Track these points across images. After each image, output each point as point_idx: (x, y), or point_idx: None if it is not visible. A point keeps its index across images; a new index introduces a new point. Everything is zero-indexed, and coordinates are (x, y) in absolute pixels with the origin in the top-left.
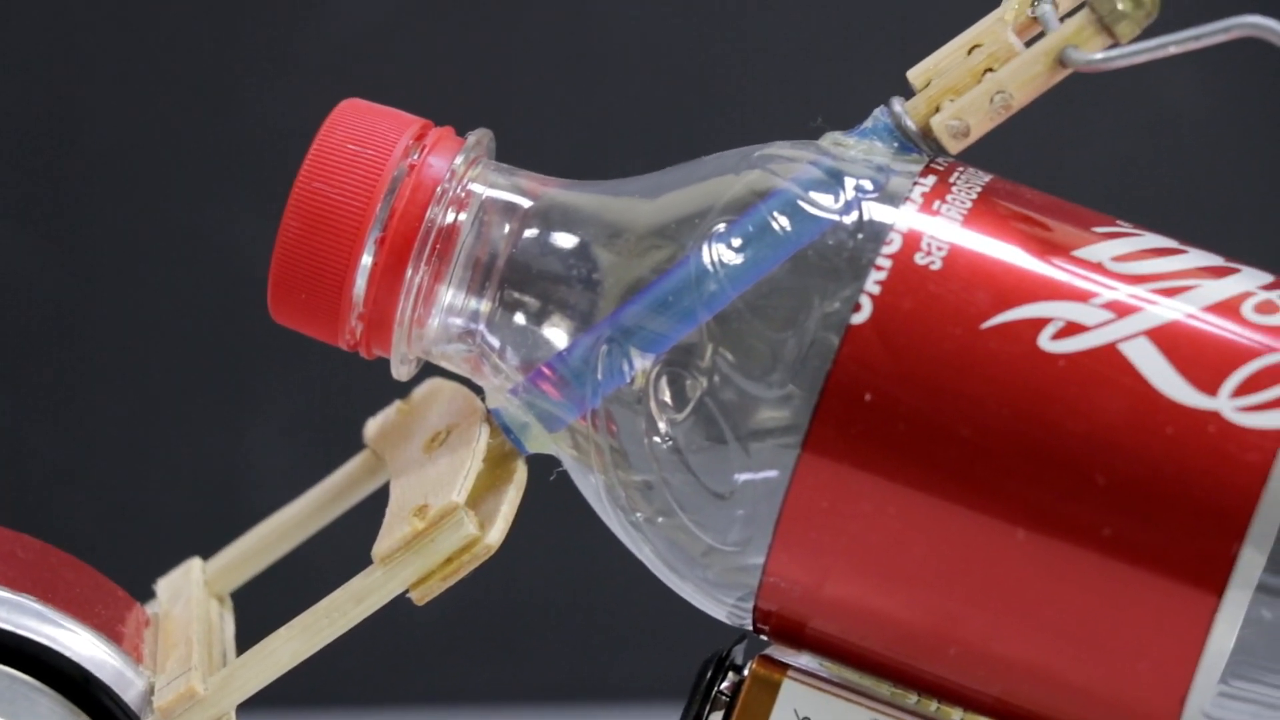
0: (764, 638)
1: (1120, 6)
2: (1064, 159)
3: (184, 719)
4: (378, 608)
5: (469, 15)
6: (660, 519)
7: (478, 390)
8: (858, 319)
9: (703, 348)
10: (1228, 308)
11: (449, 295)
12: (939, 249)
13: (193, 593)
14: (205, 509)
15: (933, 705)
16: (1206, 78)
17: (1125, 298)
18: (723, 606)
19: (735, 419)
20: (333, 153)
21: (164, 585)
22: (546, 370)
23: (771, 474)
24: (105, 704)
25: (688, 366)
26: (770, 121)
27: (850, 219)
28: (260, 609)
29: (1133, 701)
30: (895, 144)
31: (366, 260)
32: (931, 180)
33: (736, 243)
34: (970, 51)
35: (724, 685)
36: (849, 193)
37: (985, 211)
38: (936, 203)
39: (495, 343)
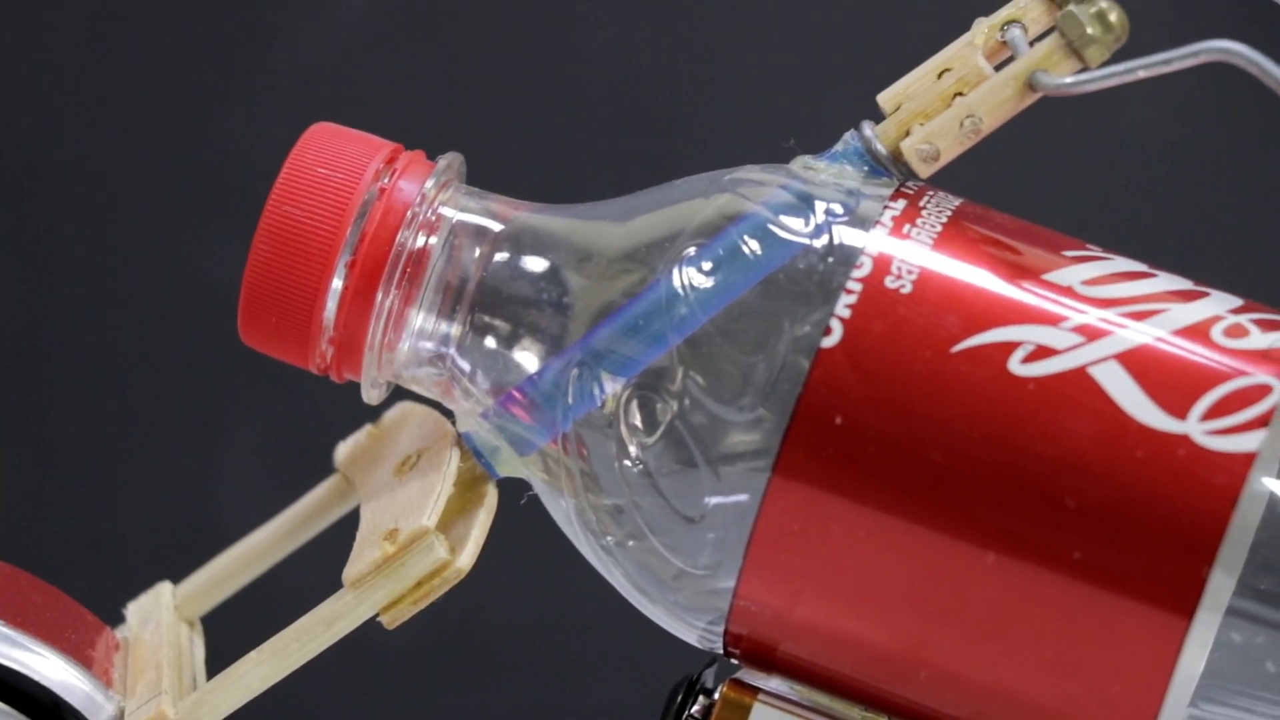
0: (735, 661)
1: (1090, 31)
2: (1034, 183)
3: None
4: (348, 631)
5: (440, 39)
6: (631, 542)
7: (448, 414)
8: (828, 342)
9: (673, 371)
10: (1197, 331)
11: (419, 319)
12: (909, 273)
13: (163, 617)
14: (175, 533)
15: None
16: (1176, 102)
17: (1095, 321)
18: (693, 630)
19: (706, 443)
20: (303, 176)
21: (134, 609)
22: (517, 394)
23: (742, 497)
24: None
25: (658, 390)
26: (740, 145)
27: (820, 243)
28: (230, 633)
29: None
30: (865, 168)
31: (337, 284)
32: (902, 204)
33: (707, 266)
34: (940, 75)
35: (695, 709)
36: (819, 216)
37: (955, 235)
38: (907, 226)
39: (466, 366)
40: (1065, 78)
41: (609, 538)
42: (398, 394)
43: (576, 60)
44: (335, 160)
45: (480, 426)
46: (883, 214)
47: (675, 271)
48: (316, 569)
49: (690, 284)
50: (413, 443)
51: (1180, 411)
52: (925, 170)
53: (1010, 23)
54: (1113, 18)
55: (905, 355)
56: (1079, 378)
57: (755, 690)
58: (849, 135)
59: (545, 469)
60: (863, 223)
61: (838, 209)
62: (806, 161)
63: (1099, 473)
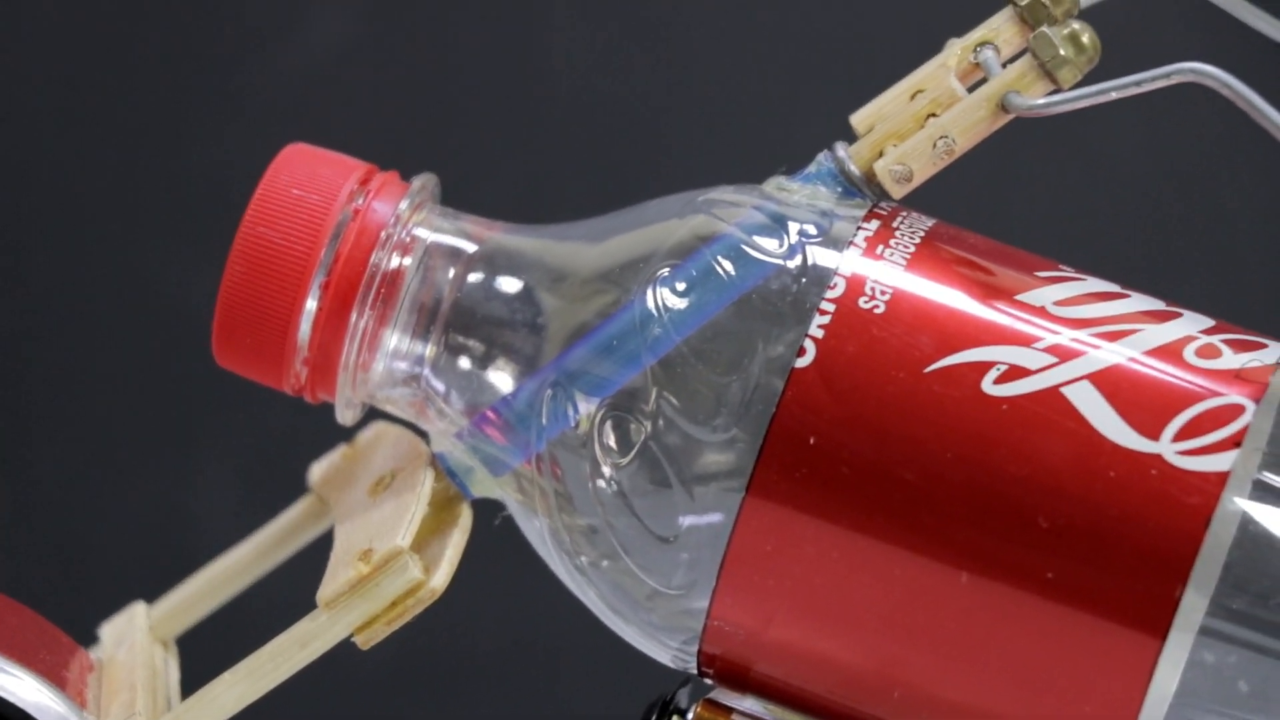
0: (708, 681)
1: (1062, 52)
2: (1007, 204)
3: None
4: (323, 652)
5: (414, 61)
6: (605, 563)
7: (423, 434)
8: (801, 363)
9: (647, 392)
10: (1170, 352)
11: (394, 340)
12: (882, 293)
13: (137, 637)
14: (149, 553)
15: None
16: (1148, 123)
17: (1068, 342)
18: (667, 650)
19: (680, 463)
20: (277, 198)
21: (108, 630)
22: (491, 414)
23: (716, 518)
24: None
25: (632, 411)
26: (714, 166)
27: (794, 263)
28: (205, 654)
29: None
30: (839, 189)
31: (311, 305)
32: (875, 225)
33: (681, 287)
34: (913, 97)
35: None
36: (793, 237)
37: (928, 256)
38: (880, 247)
39: (440, 387)
40: (1038, 99)
41: (583, 558)
42: (372, 414)
43: (551, 81)
44: (309, 181)
45: (454, 447)
46: (856, 235)
47: (649, 292)
48: (291, 589)
49: (664, 304)
50: (387, 463)
51: (1153, 432)
52: (898, 191)
53: (983, 44)
54: (1085, 39)
55: (879, 375)
56: (1052, 398)
57: (729, 710)
58: (822, 156)
59: (519, 489)
60: (836, 243)
61: (811, 230)
62: (780, 182)
63: (1072, 493)
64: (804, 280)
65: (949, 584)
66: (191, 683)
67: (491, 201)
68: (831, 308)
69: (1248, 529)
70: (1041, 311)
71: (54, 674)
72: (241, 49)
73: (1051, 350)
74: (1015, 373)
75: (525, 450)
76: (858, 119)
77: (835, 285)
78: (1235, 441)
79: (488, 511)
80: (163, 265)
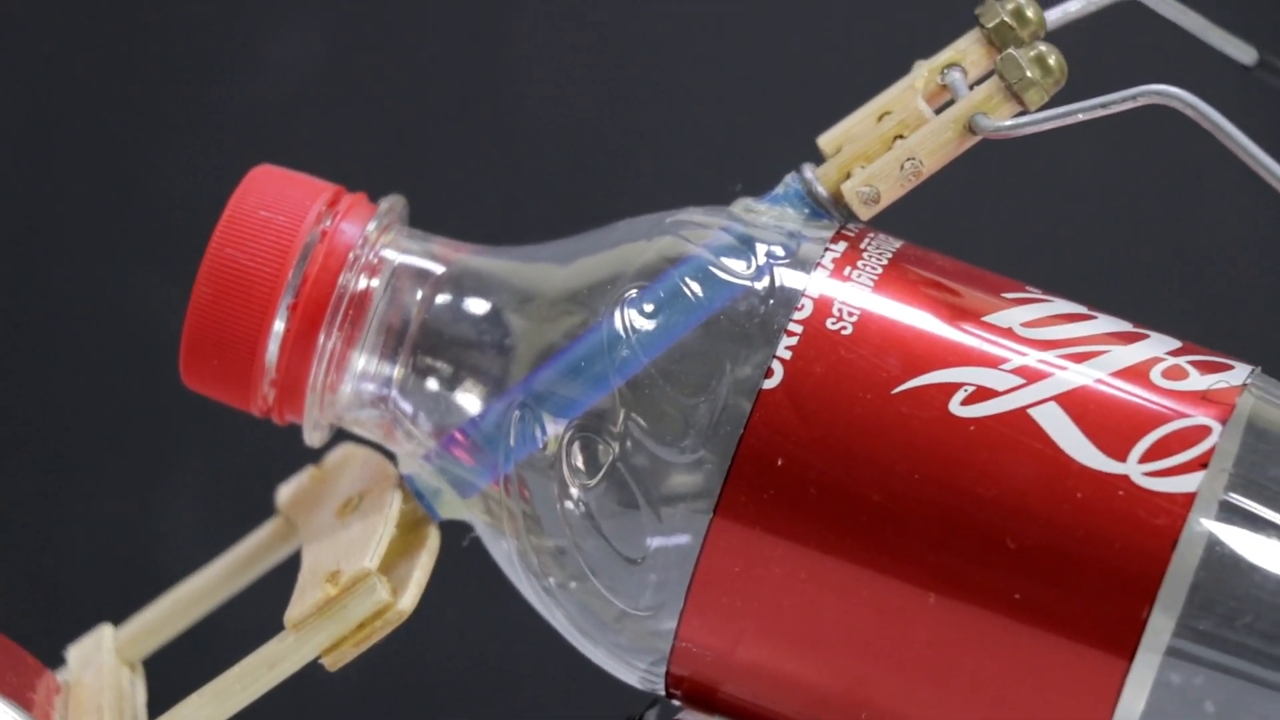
0: (677, 702)
1: (1029, 74)
2: (974, 225)
3: None
4: (290, 674)
5: (382, 83)
6: (573, 584)
7: (390, 456)
8: (769, 384)
9: (615, 413)
10: (1136, 373)
11: (361, 361)
12: (850, 314)
13: (104, 660)
14: (116, 575)
15: None
16: (1115, 145)
17: (1035, 363)
18: (635, 671)
19: (647, 484)
20: (245, 219)
21: (75, 652)
22: (459, 436)
23: (684, 539)
24: None
25: (600, 432)
26: (682, 187)
27: (762, 285)
28: (172, 676)
29: None
30: (806, 210)
31: (279, 326)
32: (842, 246)
33: (649, 308)
34: (880, 118)
35: None
36: (760, 259)
37: (896, 277)
38: (847, 269)
39: (408, 408)
40: (1005, 120)
41: (551, 579)
42: (340, 436)
43: (518, 103)
44: (277, 203)
45: (422, 468)
46: (824, 256)
47: (617, 313)
48: (258, 611)
49: (632, 326)
50: (354, 485)
51: (1120, 453)
52: (866, 212)
53: (950, 66)
54: (1051, 61)
55: (846, 397)
56: (1019, 419)
57: None
58: (790, 178)
59: (487, 511)
60: (804, 265)
61: (779, 251)
62: (747, 204)
63: (1039, 514)
64: (771, 302)
65: (916, 605)
66: (158, 705)
67: (459, 223)
68: (799, 329)
69: (1214, 550)
70: (1009, 333)
71: (20, 696)
72: (209, 70)
73: (1019, 371)
74: (982, 394)
75: (493, 472)
76: (825, 141)
77: (803, 307)
78: (1202, 463)
79: (455, 533)
80: (130, 286)
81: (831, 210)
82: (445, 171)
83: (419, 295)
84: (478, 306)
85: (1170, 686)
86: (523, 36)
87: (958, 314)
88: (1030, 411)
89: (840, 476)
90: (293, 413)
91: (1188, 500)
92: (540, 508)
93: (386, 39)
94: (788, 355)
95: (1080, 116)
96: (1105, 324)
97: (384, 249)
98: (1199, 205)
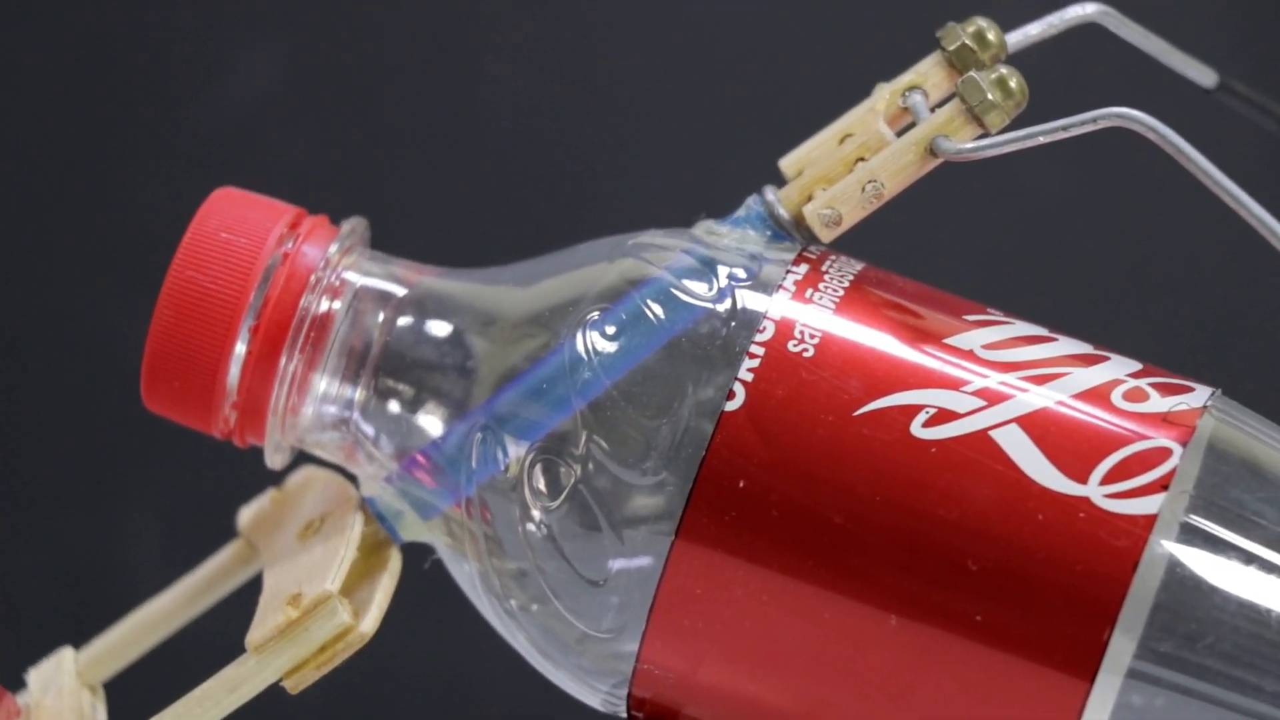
0: None
1: (990, 96)
2: (936, 247)
3: None
4: (251, 696)
5: (343, 105)
6: (535, 606)
7: (352, 478)
8: (731, 406)
9: (577, 435)
10: (1097, 395)
11: (323, 383)
12: (812, 337)
13: (64, 683)
14: (77, 598)
15: None
16: (1076, 167)
17: (996, 385)
18: (597, 693)
19: (609, 506)
20: (206, 241)
21: (35, 675)
22: (421, 458)
23: (645, 561)
24: None
25: (562, 454)
26: (644, 209)
27: (723, 307)
28: (133, 699)
29: None
30: (768, 232)
31: (240, 348)
32: (804, 268)
33: (610, 330)
34: (842, 141)
35: None
36: (722, 281)
37: (857, 299)
38: (809, 291)
39: (369, 431)
40: (966, 143)
41: (512, 601)
42: (301, 458)
43: (480, 124)
44: (238, 225)
45: (384, 491)
46: (785, 278)
47: (579, 335)
48: (219, 634)
49: (593, 348)
50: (316, 507)
51: (1081, 475)
52: (827, 235)
53: (911, 88)
54: (1013, 84)
55: (808, 419)
56: (980, 441)
57: None
58: (751, 200)
59: (449, 533)
60: (765, 287)
61: (740, 273)
62: (709, 226)
63: (1000, 536)
64: (733, 324)
65: (878, 627)
66: None
67: (421, 245)
68: (761, 351)
69: (1175, 572)
70: (970, 355)
71: None
72: (171, 92)
73: (980, 394)
74: (944, 416)
75: (455, 494)
76: (787, 163)
77: (764, 329)
78: (1163, 484)
79: (417, 555)
80: (91, 307)
81: (793, 232)
82: (407, 194)
83: (381, 317)
84: (440, 329)
85: (1131, 708)
86: (485, 60)
87: (919, 336)
88: (991, 433)
89: (802, 498)
90: (254, 435)
91: (1149, 522)
92: (502, 530)
93: (349, 62)
94: (749, 377)
95: (1041, 139)
96: (1066, 346)
97: (346, 271)
98: (1159, 228)
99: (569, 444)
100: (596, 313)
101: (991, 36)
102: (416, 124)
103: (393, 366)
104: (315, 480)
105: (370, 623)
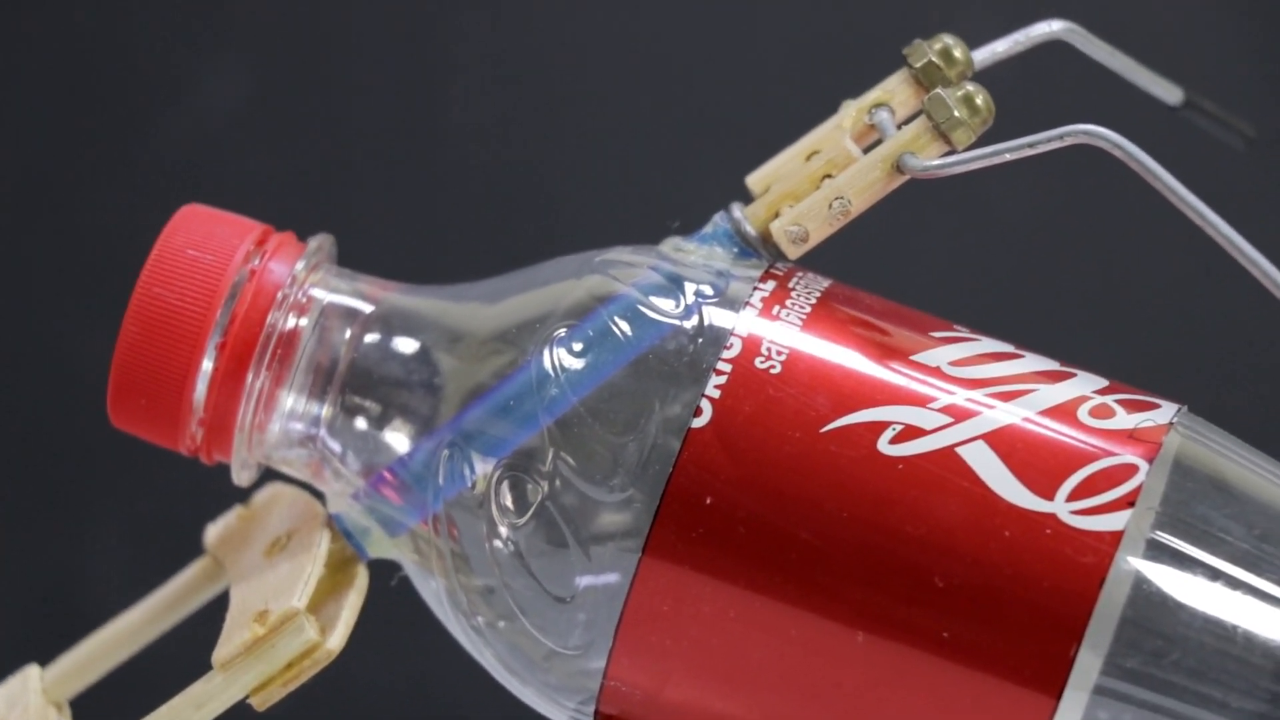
0: None
1: (957, 114)
2: (903, 264)
3: None
4: (218, 713)
5: (310, 122)
6: (501, 623)
7: (319, 495)
8: (698, 423)
9: (544, 452)
10: (1064, 412)
11: (290, 400)
12: (779, 353)
13: (30, 700)
14: (43, 615)
15: None
16: (1043, 184)
17: (963, 402)
18: (564, 710)
19: (576, 523)
20: (173, 258)
21: (1, 693)
22: (388, 475)
23: (613, 578)
24: None
25: (529, 471)
26: (611, 226)
27: (690, 324)
28: (99, 716)
29: None
30: (735, 249)
31: (207, 365)
32: (771, 285)
33: (577, 347)
34: (809, 158)
35: None
36: (689, 298)
37: (824, 316)
38: (776, 308)
39: (336, 448)
40: (933, 160)
41: (480, 618)
42: (268, 475)
43: (446, 141)
44: (205, 242)
45: (351, 508)
46: (752, 295)
47: (546, 352)
48: (186, 651)
49: (561, 365)
50: (283, 524)
51: (1047, 491)
52: (794, 252)
53: (878, 105)
54: (979, 101)
55: (775, 436)
56: (947, 458)
57: None
58: (718, 217)
59: (416, 550)
60: (732, 304)
61: (707, 290)
62: (676, 243)
63: (967, 552)
64: (700, 341)
65: (845, 644)
66: None
67: (388, 262)
68: (728, 368)
69: (1141, 588)
70: (937, 372)
71: None
72: (137, 109)
73: (947, 410)
74: (911, 433)
75: (422, 511)
76: (753, 180)
77: (731, 346)
78: (1129, 501)
79: (384, 572)
80: (58, 325)
81: (760, 249)
82: (374, 210)
83: (348, 334)
84: (406, 345)
85: None
86: (451, 76)
87: (886, 353)
88: (958, 450)
89: (769, 515)
90: (221, 452)
91: (1115, 539)
92: (469, 547)
93: (315, 79)
94: (716, 394)
95: (1008, 156)
96: (1032, 363)
97: (312, 288)
98: (1126, 244)
99: (536, 461)
100: (564, 329)
101: (958, 54)
102: (383, 141)
103: (359, 383)
104: (282, 497)
105: (337, 639)
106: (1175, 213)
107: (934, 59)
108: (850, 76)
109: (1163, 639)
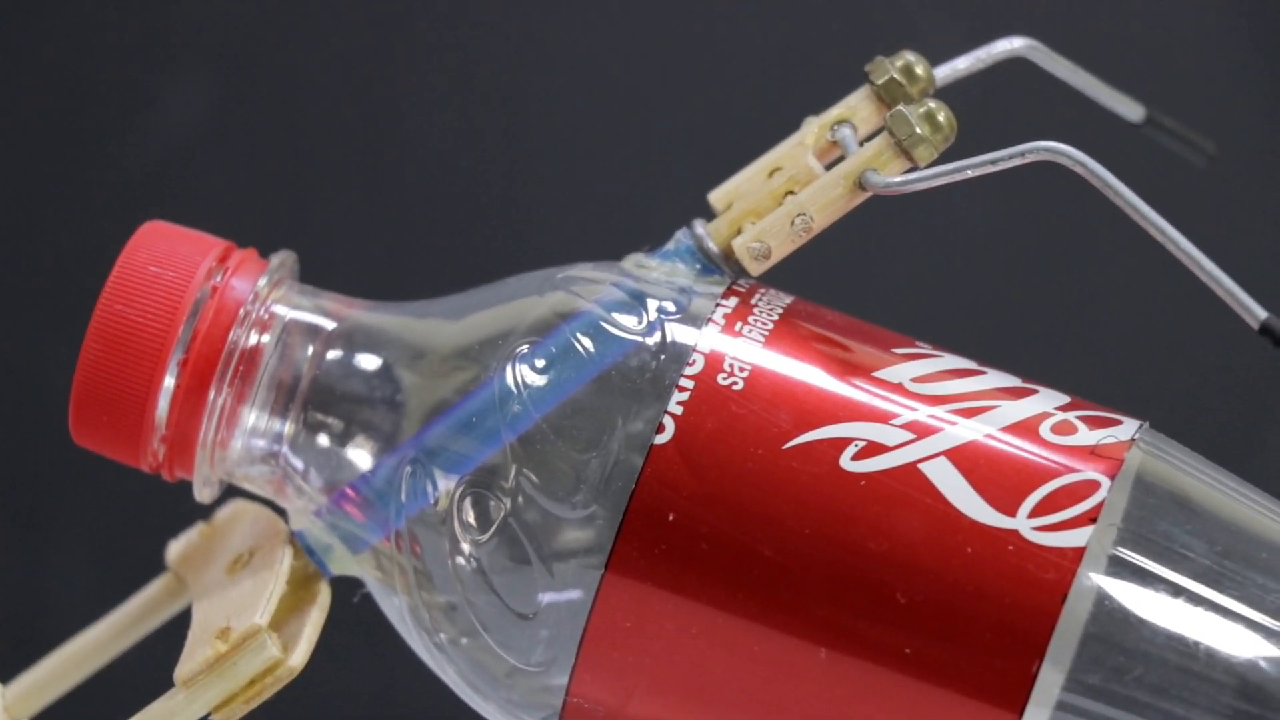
0: None
1: (918, 130)
2: (865, 280)
3: None
4: None
5: (272, 139)
6: (464, 640)
7: (281, 512)
8: (660, 439)
9: (506, 469)
10: (1026, 428)
11: (252, 417)
12: (741, 370)
13: None
14: (4, 632)
15: None
16: (1005, 200)
17: (925, 418)
18: None
19: (539, 540)
20: (135, 275)
21: None
22: (350, 492)
23: (575, 594)
24: None
25: (491, 487)
26: (573, 243)
27: (653, 340)
28: None
29: None
30: (697, 265)
31: (169, 382)
32: (733, 302)
33: (540, 364)
34: (771, 174)
35: None
36: (651, 314)
37: (787, 333)
38: (738, 324)
39: (298, 464)
40: (895, 177)
41: (442, 635)
42: (230, 492)
43: (408, 157)
44: (167, 259)
45: (313, 524)
46: (715, 311)
47: (508, 369)
48: (148, 668)
49: (523, 381)
50: (245, 541)
51: (1009, 508)
52: (757, 268)
53: (840, 122)
54: (941, 118)
55: (737, 452)
56: (909, 474)
57: None
58: (681, 233)
59: (378, 567)
60: (695, 320)
61: (670, 306)
62: (639, 259)
63: (929, 568)
64: (663, 357)
65: (808, 660)
66: None
67: (351, 279)
68: (690, 384)
69: (1103, 604)
70: (899, 388)
71: None
72: (98, 126)
73: (909, 427)
74: (873, 449)
75: (384, 527)
76: (716, 196)
77: (694, 362)
78: (1091, 517)
79: (347, 589)
80: (19, 341)
81: (722, 266)
82: (336, 227)
83: (310, 351)
84: (369, 362)
85: None
86: (413, 92)
87: (848, 369)
88: (920, 466)
89: (731, 531)
90: (183, 469)
91: (1077, 555)
92: (431, 563)
93: (277, 95)
94: (679, 410)
95: (970, 173)
96: (995, 379)
97: (275, 305)
98: (1087, 261)
99: (499, 477)
100: (526, 346)
101: (920, 70)
102: (345, 157)
103: (322, 400)
104: (244, 514)
105: (299, 656)
106: (1137, 229)
107: (896, 76)
108: (813, 93)
109: (1125, 655)
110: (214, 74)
